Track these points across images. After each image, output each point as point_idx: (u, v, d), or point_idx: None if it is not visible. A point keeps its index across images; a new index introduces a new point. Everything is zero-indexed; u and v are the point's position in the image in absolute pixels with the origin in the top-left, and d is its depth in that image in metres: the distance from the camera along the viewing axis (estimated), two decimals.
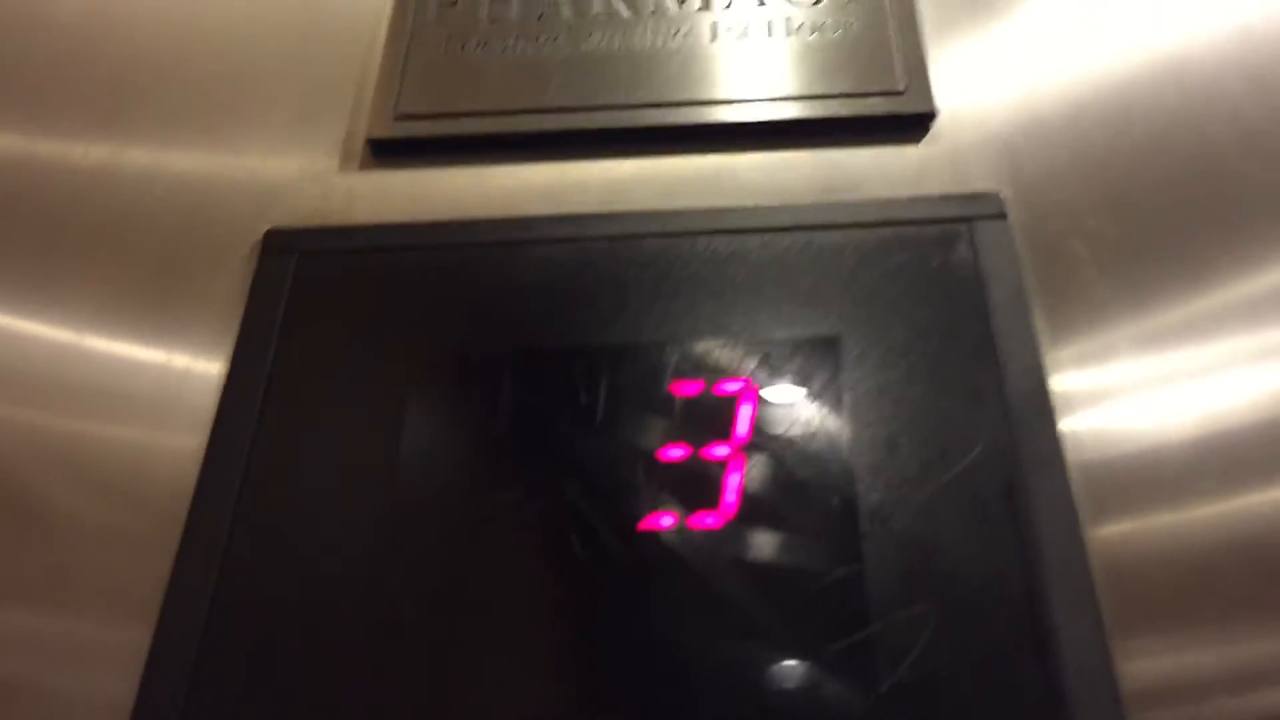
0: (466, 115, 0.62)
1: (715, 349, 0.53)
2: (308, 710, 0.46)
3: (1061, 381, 0.52)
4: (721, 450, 0.50)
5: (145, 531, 0.50)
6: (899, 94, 0.61)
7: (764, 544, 0.48)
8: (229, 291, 0.58)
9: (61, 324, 0.58)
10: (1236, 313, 0.53)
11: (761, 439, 0.50)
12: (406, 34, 0.65)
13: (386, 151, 0.62)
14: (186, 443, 0.53)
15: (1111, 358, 0.53)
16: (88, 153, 0.65)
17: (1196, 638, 0.46)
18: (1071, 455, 0.49)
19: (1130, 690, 0.44)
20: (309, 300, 0.56)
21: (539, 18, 0.66)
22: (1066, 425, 0.50)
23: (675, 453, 0.50)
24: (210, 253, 0.60)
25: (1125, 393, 0.52)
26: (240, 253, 0.59)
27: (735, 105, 0.61)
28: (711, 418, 0.51)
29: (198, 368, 0.56)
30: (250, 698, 0.46)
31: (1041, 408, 0.50)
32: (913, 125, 0.61)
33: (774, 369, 0.52)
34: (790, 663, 0.45)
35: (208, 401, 0.54)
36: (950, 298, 0.54)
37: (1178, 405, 0.51)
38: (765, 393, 0.52)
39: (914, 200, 0.57)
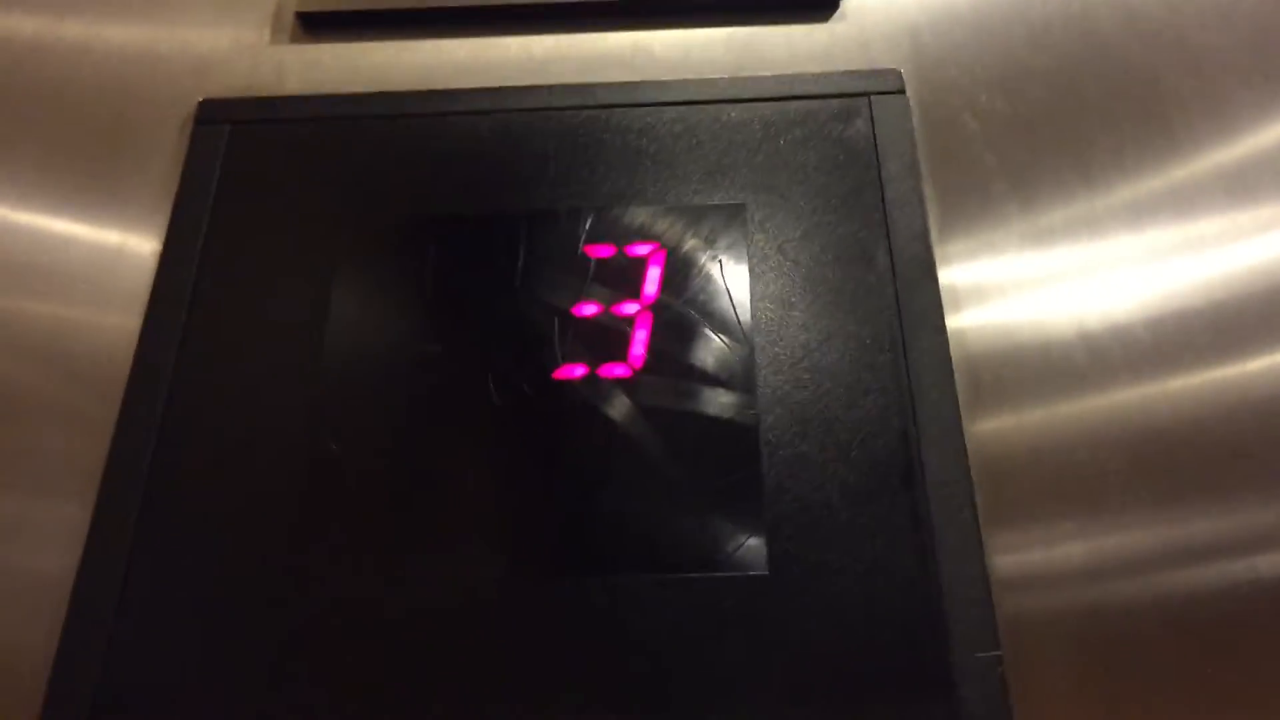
0: None
1: (628, 215, 0.57)
2: (244, 579, 0.48)
3: (949, 275, 0.55)
4: (631, 307, 0.54)
5: (83, 408, 0.52)
6: None
7: (668, 392, 0.52)
8: (162, 163, 0.60)
9: None
10: (1121, 212, 0.57)
11: (668, 297, 0.54)
12: None
13: (315, 25, 0.64)
14: (122, 317, 0.55)
15: (998, 253, 0.56)
16: (22, 25, 0.66)
17: (1063, 530, 0.49)
18: (956, 350, 0.52)
19: (999, 577, 0.48)
20: (241, 169, 0.59)
21: None
22: (952, 321, 0.53)
23: (588, 309, 0.54)
24: (143, 126, 0.61)
25: (1009, 290, 0.55)
26: (173, 125, 0.61)
27: None
28: (623, 278, 0.55)
29: (133, 241, 0.57)
30: (189, 569, 0.49)
31: (925, 269, 0.54)
32: (822, 4, 0.64)
33: (682, 234, 0.56)
34: (687, 497, 0.50)
35: (143, 272, 0.56)
36: (848, 168, 0.57)
37: (1060, 302, 0.54)
38: (673, 255, 0.55)
39: (818, 76, 0.60)
